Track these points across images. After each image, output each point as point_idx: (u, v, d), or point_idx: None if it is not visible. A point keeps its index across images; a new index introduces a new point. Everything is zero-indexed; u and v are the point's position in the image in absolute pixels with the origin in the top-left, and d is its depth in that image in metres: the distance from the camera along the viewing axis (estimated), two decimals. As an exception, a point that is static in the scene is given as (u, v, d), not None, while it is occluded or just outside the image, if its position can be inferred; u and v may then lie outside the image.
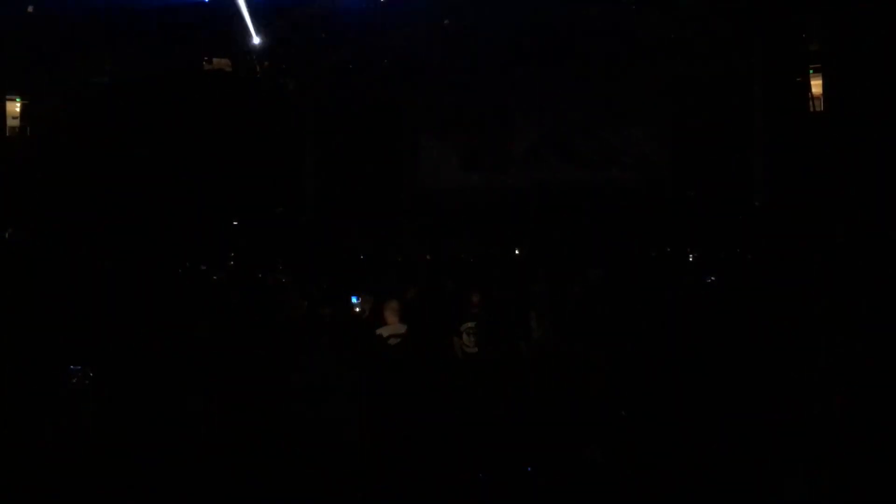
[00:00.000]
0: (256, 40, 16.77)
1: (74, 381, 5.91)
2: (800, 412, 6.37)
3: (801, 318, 8.15)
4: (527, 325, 8.36)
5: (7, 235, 14.64)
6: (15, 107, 17.09)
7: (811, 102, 16.62)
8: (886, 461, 5.21)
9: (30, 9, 16.08)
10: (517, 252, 17.11)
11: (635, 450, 6.39)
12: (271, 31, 17.08)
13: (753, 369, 7.42)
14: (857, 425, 5.71)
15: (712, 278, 12.00)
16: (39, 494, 5.27)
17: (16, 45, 15.60)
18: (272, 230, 17.44)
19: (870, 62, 15.03)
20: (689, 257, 15.16)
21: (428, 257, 16.26)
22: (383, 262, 15.75)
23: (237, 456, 5.77)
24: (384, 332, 7.21)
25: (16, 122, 17.10)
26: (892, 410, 5.63)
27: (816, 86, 16.53)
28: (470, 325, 8.64)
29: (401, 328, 7.27)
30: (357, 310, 7.89)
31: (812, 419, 6.22)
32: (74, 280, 10.72)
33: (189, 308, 9.24)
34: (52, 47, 15.74)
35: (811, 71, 16.58)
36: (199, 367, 6.98)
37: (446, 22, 17.19)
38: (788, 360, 7.21)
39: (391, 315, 7.32)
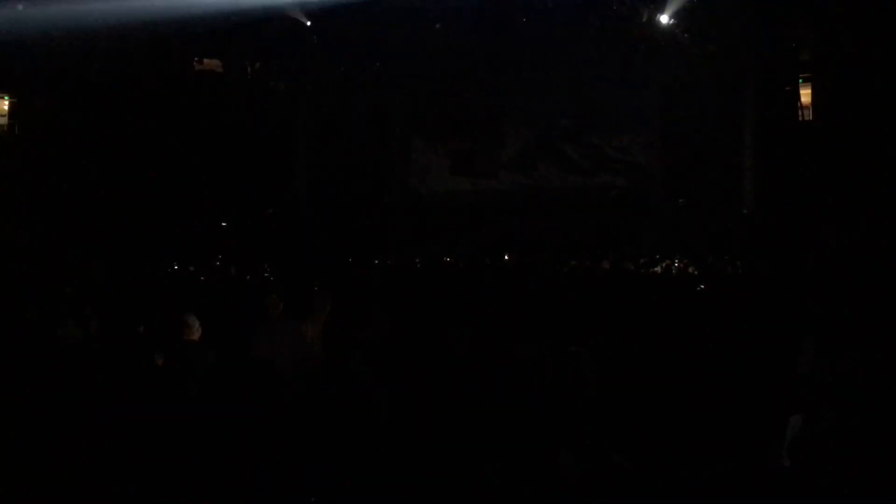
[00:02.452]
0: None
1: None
2: (787, 421, 6.38)
3: (790, 326, 8.17)
4: (517, 328, 8.34)
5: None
6: (3, 105, 16.99)
7: (801, 112, 16.70)
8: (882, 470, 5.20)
9: (20, 7, 16.00)
10: (506, 257, 17.10)
11: (622, 455, 6.39)
12: (263, 33, 17.07)
13: (742, 376, 7.42)
14: (848, 434, 5.71)
15: (702, 287, 12.03)
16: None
17: (4, 43, 15.51)
18: (261, 231, 17.40)
19: (859, 72, 15.12)
20: (677, 264, 15.18)
21: (417, 261, 16.24)
22: (371, 265, 15.75)
23: (226, 454, 5.73)
24: (366, 335, 7.23)
25: (4, 121, 17.00)
26: (886, 417, 5.64)
27: (806, 95, 16.61)
28: (459, 329, 8.64)
29: (384, 331, 7.31)
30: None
31: (801, 427, 6.23)
32: (63, 279, 10.68)
33: (177, 307, 9.19)
34: (42, 44, 15.66)
35: (801, 80, 16.65)
36: (186, 368, 6.95)
37: (438, 26, 17.19)
38: (777, 367, 7.22)
39: (375, 318, 7.38)
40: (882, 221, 13.54)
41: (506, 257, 16.86)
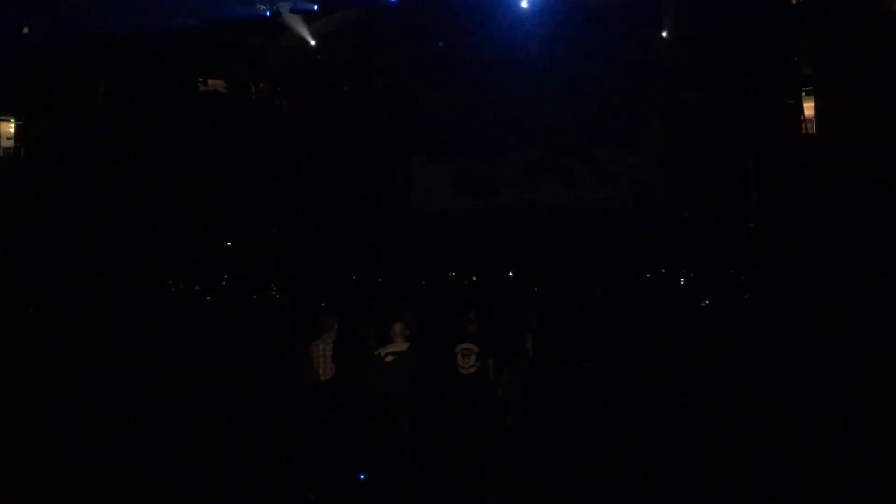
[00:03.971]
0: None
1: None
2: (794, 434, 6.37)
3: (795, 338, 8.15)
4: (522, 345, 8.35)
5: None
6: (10, 127, 17.08)
7: (803, 125, 16.73)
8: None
9: (25, 30, 16.12)
10: (511, 274, 17.09)
11: (624, 468, 6.39)
12: (266, 52, 17.19)
13: (747, 389, 7.41)
14: (853, 444, 5.70)
15: (706, 302, 12.02)
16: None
17: (10, 66, 15.62)
18: (266, 251, 17.42)
19: (861, 84, 15.15)
20: (682, 279, 15.18)
21: (423, 279, 16.24)
22: (377, 284, 15.74)
23: (232, 467, 5.76)
24: (384, 350, 7.35)
25: (10, 143, 17.09)
26: (889, 429, 5.63)
27: (808, 108, 16.64)
28: (465, 346, 8.65)
29: (402, 346, 7.43)
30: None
31: (806, 440, 6.22)
32: (70, 299, 10.69)
33: (183, 327, 9.23)
34: (47, 68, 15.77)
35: (803, 93, 16.69)
36: (193, 385, 6.98)
37: (441, 45, 17.28)
38: (782, 380, 7.21)
39: (397, 335, 7.53)
40: (885, 234, 13.53)
41: (510, 274, 16.86)
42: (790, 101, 16.95)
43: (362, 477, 5.36)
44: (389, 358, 7.24)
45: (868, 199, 14.31)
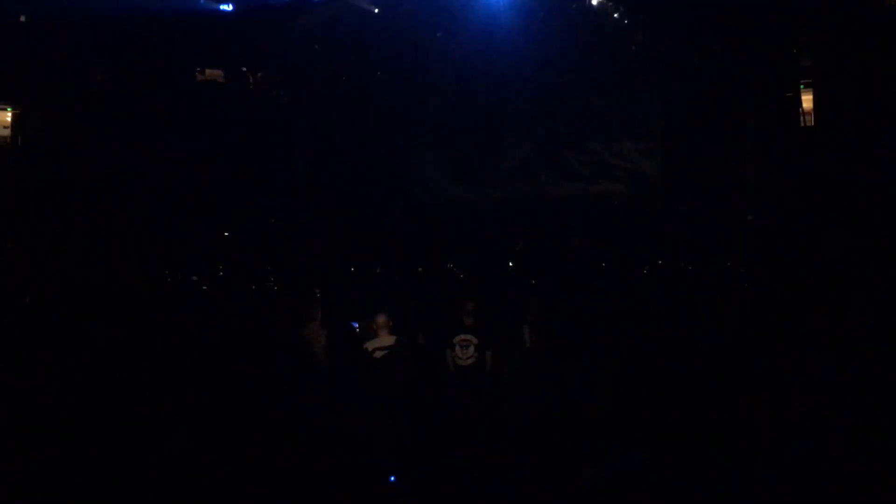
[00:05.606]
0: None
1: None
2: (794, 426, 6.38)
3: (794, 331, 8.17)
4: (520, 337, 8.36)
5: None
6: (6, 116, 17.02)
7: (802, 117, 16.73)
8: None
9: (22, 18, 16.06)
10: (509, 265, 17.09)
11: (627, 467, 6.39)
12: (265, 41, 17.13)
13: (746, 382, 7.42)
14: (853, 436, 5.71)
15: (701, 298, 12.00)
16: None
17: (7, 55, 15.57)
18: (263, 241, 17.39)
19: (859, 77, 15.14)
20: (681, 270, 15.18)
21: (420, 270, 16.23)
22: (375, 275, 15.72)
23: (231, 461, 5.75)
24: (371, 345, 7.32)
25: (6, 132, 17.03)
26: (888, 420, 5.64)
27: (807, 101, 16.63)
28: (463, 337, 8.66)
29: (389, 340, 7.37)
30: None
31: (806, 434, 6.24)
32: (65, 289, 10.69)
33: (179, 317, 9.22)
34: (44, 57, 15.72)
35: (802, 86, 16.68)
36: (190, 376, 6.97)
37: (439, 35, 17.23)
38: (780, 373, 7.22)
39: (380, 328, 7.46)
40: (883, 227, 13.55)
41: (508, 265, 16.87)
42: (789, 94, 16.94)
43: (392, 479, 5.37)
44: (379, 353, 7.20)
45: (866, 191, 14.33)
